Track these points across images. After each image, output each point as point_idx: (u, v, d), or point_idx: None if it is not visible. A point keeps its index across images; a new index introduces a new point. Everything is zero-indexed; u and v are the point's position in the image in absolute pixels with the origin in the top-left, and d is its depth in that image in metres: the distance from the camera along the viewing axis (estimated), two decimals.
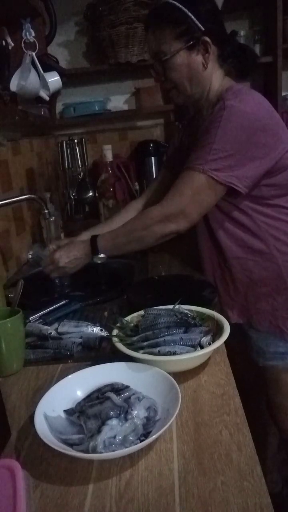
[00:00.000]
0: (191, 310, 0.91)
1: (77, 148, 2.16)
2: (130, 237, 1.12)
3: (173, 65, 1.07)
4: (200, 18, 1.03)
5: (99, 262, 1.14)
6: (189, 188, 1.05)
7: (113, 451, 0.59)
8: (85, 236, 1.26)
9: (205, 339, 0.81)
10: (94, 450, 0.59)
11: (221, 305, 1.22)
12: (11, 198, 1.25)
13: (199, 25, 1.03)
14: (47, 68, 1.52)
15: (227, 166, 1.01)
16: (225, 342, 0.82)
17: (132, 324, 0.91)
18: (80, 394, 0.72)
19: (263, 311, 1.18)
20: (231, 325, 1.24)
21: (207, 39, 1.04)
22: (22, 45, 1.31)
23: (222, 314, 1.20)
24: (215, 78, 1.11)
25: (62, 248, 1.20)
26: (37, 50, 1.33)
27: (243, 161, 1.01)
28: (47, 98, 1.54)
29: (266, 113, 1.04)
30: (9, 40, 1.32)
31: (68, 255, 1.17)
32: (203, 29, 1.04)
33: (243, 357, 1.29)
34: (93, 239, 1.15)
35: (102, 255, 1.14)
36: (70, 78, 2.07)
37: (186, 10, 1.02)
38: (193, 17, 1.03)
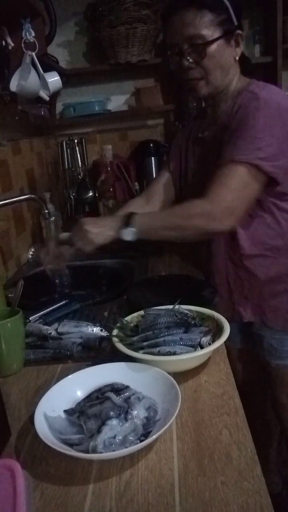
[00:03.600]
0: (191, 310, 0.91)
1: (77, 148, 2.16)
2: (170, 223, 1.05)
3: (212, 51, 1.03)
4: (235, 13, 1.04)
5: (127, 239, 1.04)
6: (236, 182, 1.00)
7: (113, 451, 0.59)
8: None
9: (205, 339, 0.81)
10: (94, 450, 0.59)
11: (233, 304, 1.20)
12: (11, 198, 1.25)
13: (234, 18, 1.04)
14: (47, 68, 1.52)
15: (269, 155, 0.99)
16: (228, 342, 0.82)
17: (132, 324, 0.91)
18: (80, 394, 0.72)
19: (278, 308, 1.16)
20: (240, 325, 1.22)
21: (241, 32, 1.05)
22: (22, 45, 1.31)
23: (234, 314, 1.18)
24: (236, 73, 1.11)
25: (78, 231, 1.11)
26: (37, 50, 1.33)
27: (281, 150, 1.00)
28: (47, 98, 1.54)
29: None
30: (9, 40, 1.32)
31: (96, 221, 1.11)
32: (236, 23, 1.04)
33: (248, 357, 1.28)
34: (128, 214, 1.07)
35: (133, 229, 1.03)
36: (70, 78, 2.07)
37: (226, 1, 1.03)
38: (231, 9, 1.03)
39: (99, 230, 1.06)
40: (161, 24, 1.14)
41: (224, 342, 0.81)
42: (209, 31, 1.02)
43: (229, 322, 0.90)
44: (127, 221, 1.04)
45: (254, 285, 1.17)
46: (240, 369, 1.37)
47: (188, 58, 1.04)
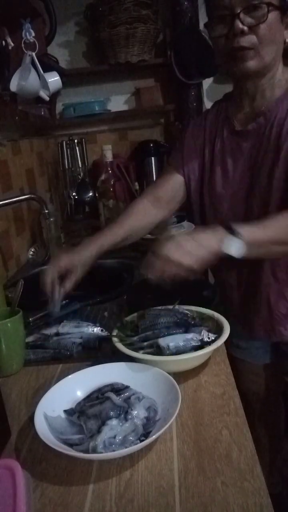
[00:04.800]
0: (191, 310, 0.91)
1: (77, 148, 2.16)
2: (280, 237, 0.87)
3: (271, 19, 0.88)
4: None
5: (233, 253, 0.82)
6: None
7: (113, 451, 0.59)
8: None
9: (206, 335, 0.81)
10: (94, 450, 0.59)
11: (273, 323, 1.10)
12: (11, 198, 1.25)
13: None
14: (47, 68, 1.52)
15: None
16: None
17: (132, 324, 0.91)
18: (80, 394, 0.72)
19: None
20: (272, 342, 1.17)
21: None
22: (22, 45, 1.31)
23: (273, 333, 1.10)
24: (280, 58, 0.98)
25: (171, 242, 0.85)
26: (37, 50, 1.33)
27: None
28: (47, 98, 1.54)
29: None
30: (9, 40, 1.31)
31: (191, 234, 0.85)
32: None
33: (273, 371, 1.24)
34: (229, 225, 0.85)
35: (241, 241, 0.82)
36: (70, 78, 2.07)
37: None
38: None
39: (200, 242, 0.84)
40: None
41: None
42: None
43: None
44: (231, 232, 0.84)
45: None
46: (262, 383, 1.29)
47: (243, 20, 0.87)
